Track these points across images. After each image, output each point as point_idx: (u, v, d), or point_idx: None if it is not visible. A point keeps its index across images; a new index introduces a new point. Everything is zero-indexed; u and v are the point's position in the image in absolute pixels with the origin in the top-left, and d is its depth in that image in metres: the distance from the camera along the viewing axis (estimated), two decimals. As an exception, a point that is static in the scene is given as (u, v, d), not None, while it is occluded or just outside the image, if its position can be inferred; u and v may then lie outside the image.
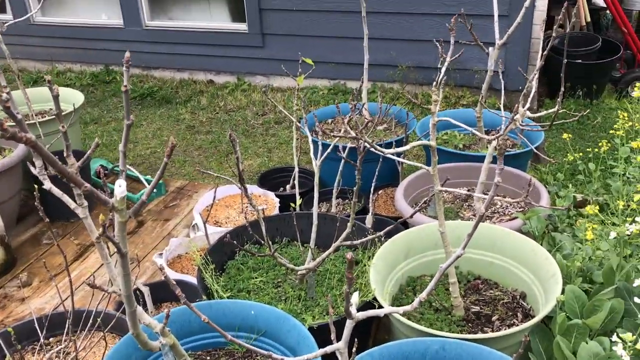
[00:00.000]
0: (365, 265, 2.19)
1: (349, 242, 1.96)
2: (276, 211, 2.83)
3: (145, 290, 2.23)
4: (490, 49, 2.75)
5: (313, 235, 2.19)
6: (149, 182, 3.59)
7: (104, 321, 1.96)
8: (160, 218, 3.36)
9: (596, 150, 3.22)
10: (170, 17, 5.62)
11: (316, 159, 2.32)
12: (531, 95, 2.50)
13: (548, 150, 4.15)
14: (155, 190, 3.55)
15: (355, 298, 1.17)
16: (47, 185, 1.30)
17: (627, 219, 2.16)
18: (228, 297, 2.13)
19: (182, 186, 3.71)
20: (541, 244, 2.43)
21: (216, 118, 4.96)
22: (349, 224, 1.93)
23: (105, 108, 5.27)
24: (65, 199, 1.30)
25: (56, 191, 1.30)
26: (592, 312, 1.83)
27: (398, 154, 1.84)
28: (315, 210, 2.19)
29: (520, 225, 2.29)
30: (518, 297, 2.11)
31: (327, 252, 1.99)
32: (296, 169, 2.93)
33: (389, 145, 2.96)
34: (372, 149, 1.70)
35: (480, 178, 2.50)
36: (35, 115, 3.61)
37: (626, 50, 5.15)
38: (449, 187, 2.85)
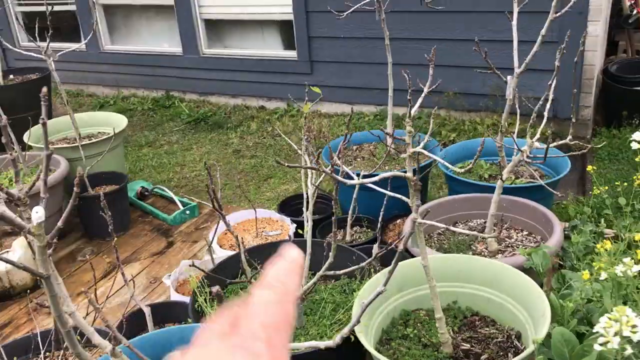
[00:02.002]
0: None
1: (331, 272, 1.95)
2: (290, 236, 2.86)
3: (147, 310, 2.31)
4: (509, 77, 2.67)
5: (307, 263, 2.20)
6: (184, 204, 3.72)
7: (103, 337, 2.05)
8: (189, 240, 3.46)
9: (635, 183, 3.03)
10: (226, 46, 5.83)
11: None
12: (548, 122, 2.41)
13: (595, 184, 3.94)
14: (187, 212, 3.67)
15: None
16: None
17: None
18: (219, 321, 2.16)
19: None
20: (545, 282, 2.31)
21: (262, 143, 5.07)
22: (330, 254, 1.93)
23: (161, 131, 5.52)
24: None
25: None
26: (581, 357, 1.72)
27: (376, 183, 1.82)
28: (309, 237, 2.20)
29: (523, 261, 2.19)
30: (513, 336, 2.01)
31: (311, 282, 1.99)
32: (305, 196, 2.94)
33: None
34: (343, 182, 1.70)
35: (490, 210, 2.42)
36: (83, 138, 3.85)
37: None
38: (466, 218, 2.77)
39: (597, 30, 4.29)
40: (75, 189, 1.21)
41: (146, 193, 3.85)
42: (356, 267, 1.93)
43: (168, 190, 3.76)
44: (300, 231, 2.81)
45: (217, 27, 5.82)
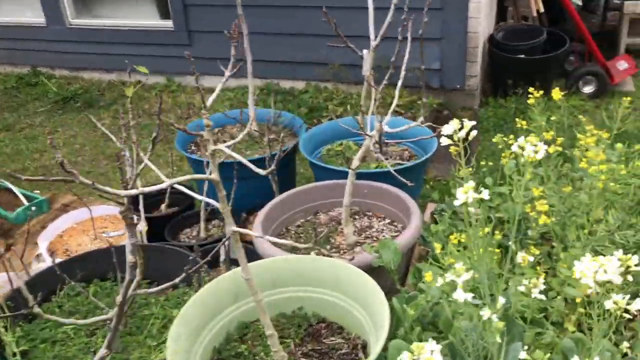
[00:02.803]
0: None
1: (143, 291, 1.65)
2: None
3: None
4: (365, 51, 2.42)
5: (127, 276, 1.88)
6: (30, 198, 3.29)
7: None
8: (32, 240, 3.04)
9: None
10: (96, 15, 5.30)
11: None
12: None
13: (480, 156, 3.82)
14: (33, 208, 3.25)
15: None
16: None
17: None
18: (22, 351, 1.83)
19: (69, 203, 3.40)
20: (404, 279, 2.13)
21: (138, 123, 4.64)
22: (138, 271, 1.62)
23: (24, 113, 4.97)
24: None
25: None
26: (419, 373, 1.52)
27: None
28: (128, 243, 1.89)
29: (373, 258, 1.98)
30: (359, 346, 1.80)
31: (119, 305, 1.69)
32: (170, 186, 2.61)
33: (255, 162, 2.64)
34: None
35: (345, 200, 2.18)
36: None
37: (580, 42, 4.80)
38: (328, 207, 2.54)
39: (479, -5, 4.13)
40: None
41: (-13, 187, 3.38)
42: (169, 284, 1.64)
43: (4, 181, 3.31)
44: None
45: (85, -5, 5.28)
